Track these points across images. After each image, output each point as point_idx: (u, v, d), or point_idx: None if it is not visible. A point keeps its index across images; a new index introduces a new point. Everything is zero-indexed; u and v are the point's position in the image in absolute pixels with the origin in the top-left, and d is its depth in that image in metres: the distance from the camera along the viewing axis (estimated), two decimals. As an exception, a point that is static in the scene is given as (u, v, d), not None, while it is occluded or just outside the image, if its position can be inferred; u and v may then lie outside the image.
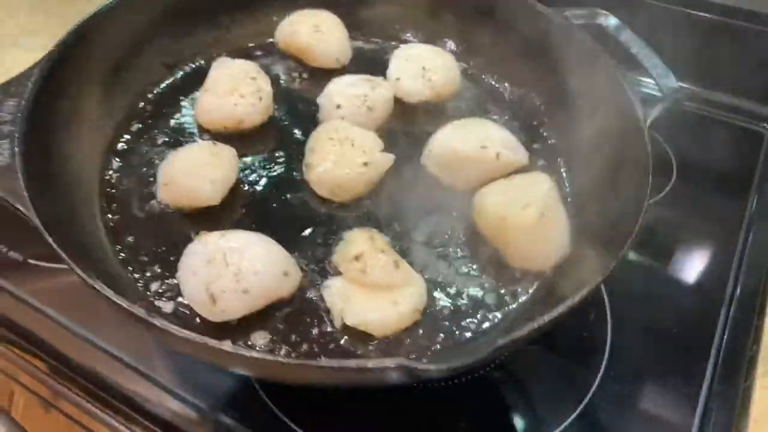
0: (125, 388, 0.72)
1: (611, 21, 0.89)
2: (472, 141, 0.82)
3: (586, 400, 0.72)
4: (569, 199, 0.84)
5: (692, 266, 0.87)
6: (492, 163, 0.81)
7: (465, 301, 0.73)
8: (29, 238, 0.79)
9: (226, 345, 0.55)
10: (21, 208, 0.62)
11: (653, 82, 0.83)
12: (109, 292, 0.57)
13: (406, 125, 0.92)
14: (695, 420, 0.71)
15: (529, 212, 0.72)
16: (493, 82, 0.99)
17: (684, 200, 0.96)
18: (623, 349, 0.76)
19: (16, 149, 0.66)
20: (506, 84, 0.99)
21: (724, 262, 0.86)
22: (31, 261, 0.83)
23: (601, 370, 0.74)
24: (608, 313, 0.80)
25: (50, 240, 0.60)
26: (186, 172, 0.76)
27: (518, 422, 0.72)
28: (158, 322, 0.55)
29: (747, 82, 1.15)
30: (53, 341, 0.76)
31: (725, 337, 0.78)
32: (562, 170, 0.89)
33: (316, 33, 0.95)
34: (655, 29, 0.91)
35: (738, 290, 0.83)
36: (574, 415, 0.71)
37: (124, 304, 0.56)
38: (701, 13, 1.14)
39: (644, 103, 0.79)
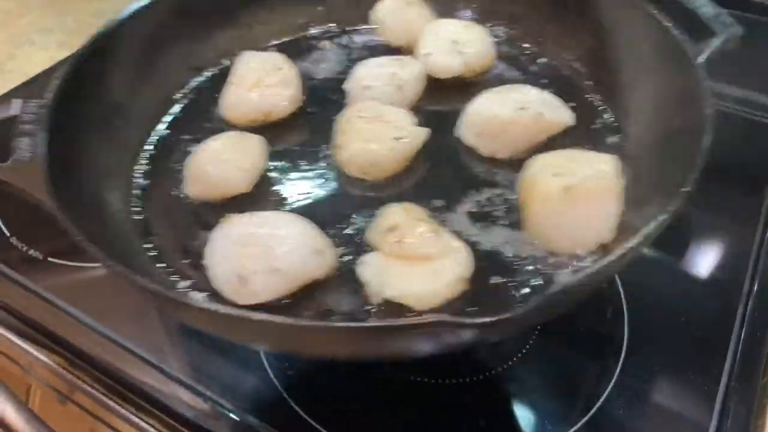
0: (139, 381, 0.72)
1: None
2: (509, 104, 0.76)
3: (603, 398, 0.69)
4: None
5: (709, 262, 0.84)
6: (533, 125, 0.76)
7: (514, 274, 0.67)
8: (49, 237, 0.80)
9: (239, 311, 0.51)
10: (46, 202, 0.61)
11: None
12: (128, 272, 0.54)
13: (440, 102, 0.87)
14: (713, 418, 0.68)
15: (556, 181, 0.65)
16: (528, 51, 0.94)
17: (700, 195, 0.90)
18: (640, 346, 0.74)
19: (40, 147, 0.65)
20: (541, 51, 0.93)
21: (741, 257, 0.83)
22: (50, 259, 0.84)
23: (618, 368, 0.72)
24: (625, 310, 0.77)
25: (73, 228, 0.58)
26: (214, 162, 0.74)
27: (534, 421, 0.68)
28: (173, 294, 0.52)
29: (762, 75, 1.12)
30: (70, 336, 0.76)
31: (743, 333, 0.75)
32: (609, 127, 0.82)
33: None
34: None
35: (755, 286, 0.79)
36: (591, 413, 0.68)
37: (142, 281, 0.53)
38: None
39: (695, 42, 0.73)
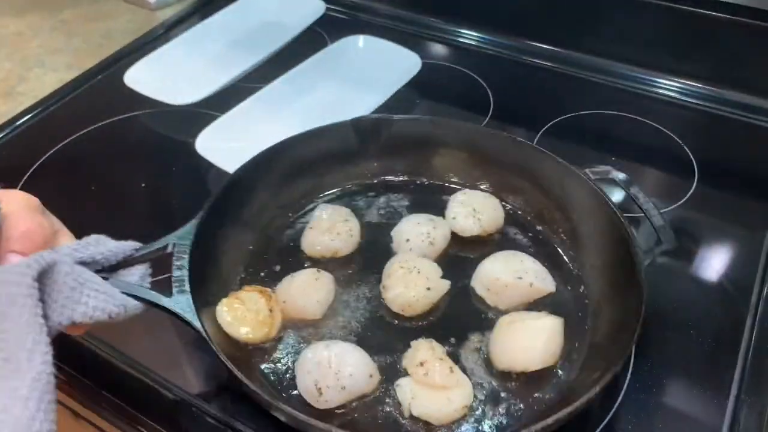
0: (152, 400, 0.81)
1: (620, 176, 1.13)
2: (510, 271, 1.07)
3: (611, 412, 0.76)
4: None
5: (718, 270, 0.88)
6: (526, 290, 1.06)
7: (504, 396, 0.96)
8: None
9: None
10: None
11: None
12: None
13: (460, 254, 1.16)
14: (723, 430, 0.73)
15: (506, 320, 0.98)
16: (529, 219, 1.20)
17: (707, 203, 0.97)
18: (649, 356, 0.79)
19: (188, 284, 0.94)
20: (538, 219, 1.18)
21: (750, 264, 0.87)
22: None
23: (627, 381, 0.78)
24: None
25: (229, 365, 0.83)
26: (298, 293, 1.05)
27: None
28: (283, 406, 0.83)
29: (764, 80, 1.18)
30: (84, 355, 0.85)
31: (752, 343, 0.78)
32: (583, 295, 1.08)
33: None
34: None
35: (765, 292, 0.83)
36: (600, 427, 0.75)
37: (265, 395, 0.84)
38: (708, 12, 1.16)
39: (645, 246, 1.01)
